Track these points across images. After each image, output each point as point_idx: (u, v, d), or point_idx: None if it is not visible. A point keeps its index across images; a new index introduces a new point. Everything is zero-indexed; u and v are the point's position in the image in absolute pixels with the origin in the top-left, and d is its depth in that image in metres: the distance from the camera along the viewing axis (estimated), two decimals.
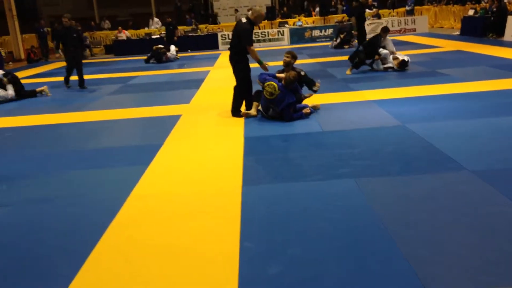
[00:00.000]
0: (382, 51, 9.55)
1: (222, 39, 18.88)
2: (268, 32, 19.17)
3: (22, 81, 10.01)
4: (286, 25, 19.92)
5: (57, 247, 3.18)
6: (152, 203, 3.83)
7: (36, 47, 18.87)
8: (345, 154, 4.67)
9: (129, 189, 4.09)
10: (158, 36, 18.80)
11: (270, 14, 20.27)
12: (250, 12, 6.63)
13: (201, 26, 20.74)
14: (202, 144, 5.46)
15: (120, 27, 19.99)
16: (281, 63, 6.90)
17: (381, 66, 9.67)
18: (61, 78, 11.45)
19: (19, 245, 3.27)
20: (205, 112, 7.08)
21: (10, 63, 17.92)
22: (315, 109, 6.59)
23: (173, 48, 15.74)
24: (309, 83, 6.85)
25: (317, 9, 21.95)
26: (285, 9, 23.37)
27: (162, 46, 15.44)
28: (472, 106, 6.25)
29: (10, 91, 9.24)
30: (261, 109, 6.44)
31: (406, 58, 9.60)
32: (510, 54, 10.70)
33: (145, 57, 15.39)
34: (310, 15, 22.28)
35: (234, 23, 8.26)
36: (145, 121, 6.91)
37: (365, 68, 9.87)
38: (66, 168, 4.90)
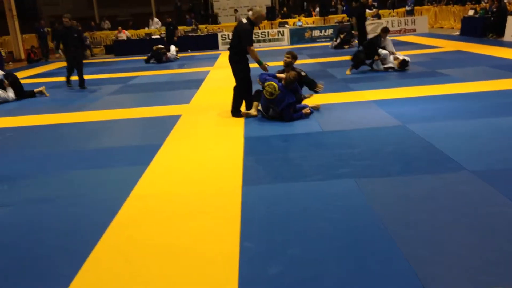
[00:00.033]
0: (382, 51, 9.56)
1: (222, 39, 18.89)
2: (268, 32, 19.18)
3: (23, 81, 10.02)
4: (286, 25, 19.93)
5: (57, 247, 3.18)
6: (152, 203, 3.83)
7: (36, 47, 18.88)
8: (345, 154, 4.67)
9: (129, 189, 4.09)
10: (158, 36, 18.80)
11: (270, 14, 20.28)
12: (250, 13, 6.64)
13: (201, 26, 20.75)
14: (202, 144, 5.47)
15: (120, 27, 20.00)
16: (281, 63, 6.91)
17: (381, 66, 9.68)
18: (61, 78, 11.46)
19: (19, 245, 3.27)
20: (205, 112, 7.08)
21: (10, 63, 17.92)
22: (315, 109, 6.59)
23: (173, 48, 15.75)
24: (310, 83, 6.85)
25: (317, 9, 21.96)
26: (285, 9, 23.38)
27: (162, 46, 15.45)
28: (472, 106, 6.26)
29: (11, 94, 9.26)
30: (261, 109, 6.44)
31: (406, 58, 9.61)
32: (510, 54, 10.70)
33: (145, 57, 15.41)
34: (310, 15, 22.29)
35: (234, 23, 8.28)
36: (145, 121, 6.91)
37: (365, 68, 9.87)
38: (66, 168, 4.90)
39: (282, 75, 6.31)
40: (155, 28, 21.10)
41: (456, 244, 2.85)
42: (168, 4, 27.36)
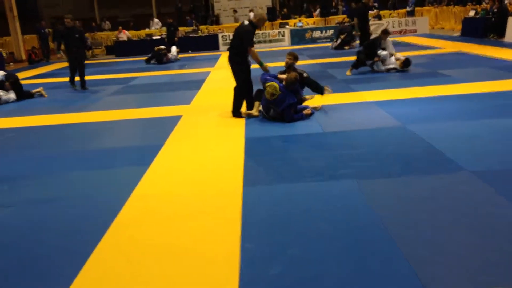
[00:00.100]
0: (382, 52, 9.57)
1: (223, 40, 18.90)
2: (268, 33, 19.19)
3: (23, 82, 10.04)
4: (287, 26, 19.94)
5: (58, 247, 3.19)
6: (153, 204, 3.84)
7: (37, 48, 18.91)
8: (345, 155, 4.68)
9: (130, 190, 4.10)
10: (159, 37, 18.82)
11: (271, 15, 20.28)
12: (251, 14, 6.65)
13: (201, 27, 20.76)
14: (203, 145, 5.47)
15: (120, 27, 20.02)
16: (282, 64, 6.91)
17: (382, 67, 9.68)
18: (62, 79, 11.49)
19: (20, 245, 3.28)
20: (206, 113, 7.09)
21: (11, 64, 17.95)
22: (316, 110, 6.60)
23: (174, 49, 15.77)
24: (312, 84, 6.86)
25: (318, 10, 21.97)
26: (285, 10, 23.39)
27: (163, 47, 15.47)
28: (473, 107, 6.26)
29: (12, 95, 9.28)
30: (261, 110, 6.45)
31: (409, 58, 9.64)
32: (511, 55, 10.69)
33: (145, 58, 15.43)
34: (311, 16, 22.30)
35: (235, 24, 8.30)
36: (146, 121, 6.92)
37: (366, 69, 9.88)
38: (67, 168, 4.91)
39: (283, 76, 6.32)
40: (156, 29, 21.12)
41: (456, 244, 2.86)
42: (168, 5, 27.40)
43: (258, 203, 3.68)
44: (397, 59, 9.70)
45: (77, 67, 10.29)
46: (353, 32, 14.60)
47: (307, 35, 19.13)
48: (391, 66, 9.62)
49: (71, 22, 10.06)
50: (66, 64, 10.86)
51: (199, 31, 19.95)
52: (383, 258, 2.76)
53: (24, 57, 19.09)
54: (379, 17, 19.27)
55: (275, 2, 25.77)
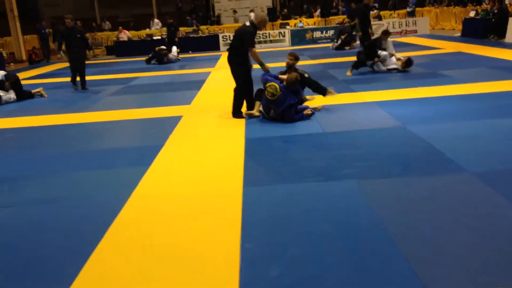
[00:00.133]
0: (382, 53, 9.57)
1: (223, 40, 18.90)
2: (269, 33, 19.19)
3: (24, 82, 10.04)
4: (287, 26, 19.95)
5: (59, 247, 3.19)
6: (154, 204, 3.84)
7: (38, 48, 18.92)
8: (346, 155, 4.68)
9: (131, 190, 4.10)
10: (159, 37, 18.83)
11: (271, 15, 20.30)
12: (252, 14, 6.66)
13: (202, 27, 20.77)
14: (203, 145, 5.47)
15: (120, 27, 20.02)
16: (282, 64, 6.92)
17: (383, 68, 9.67)
18: (63, 79, 11.50)
19: (21, 245, 3.28)
20: (206, 113, 7.09)
21: (12, 64, 17.96)
22: (316, 110, 6.60)
23: (174, 49, 15.77)
24: (313, 85, 6.86)
25: (318, 10, 21.98)
26: (285, 10, 23.40)
27: (164, 47, 15.48)
28: (473, 107, 6.26)
29: (12, 95, 9.28)
30: (262, 110, 6.45)
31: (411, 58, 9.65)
32: (511, 56, 10.70)
33: (146, 58, 15.43)
34: (311, 17, 22.31)
35: (235, 25, 8.30)
36: (146, 122, 6.92)
37: (366, 70, 9.88)
38: (68, 169, 4.91)
39: (284, 76, 6.32)
40: (156, 29, 21.12)
41: (456, 245, 2.86)
42: (169, 5, 27.42)
43: (258, 203, 3.68)
44: (398, 59, 9.71)
45: (78, 67, 10.30)
46: (353, 33, 14.60)
47: (308, 35, 19.13)
48: (392, 66, 9.62)
49: (71, 22, 10.07)
50: (66, 65, 10.87)
51: (200, 31, 19.96)
52: (383, 258, 2.76)
53: (24, 57, 19.10)
54: (379, 18, 19.27)
55: (276, 3, 25.78)
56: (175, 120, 6.73)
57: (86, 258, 2.98)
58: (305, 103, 6.72)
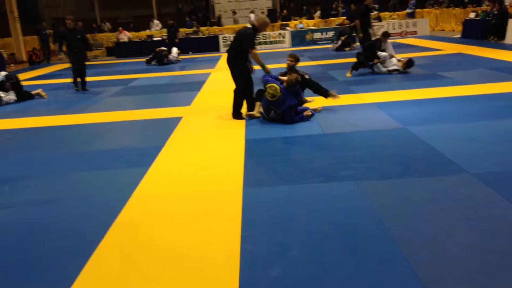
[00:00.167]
0: (381, 54, 9.58)
1: (223, 41, 18.92)
2: (269, 34, 19.20)
3: (24, 83, 10.04)
4: (288, 28, 19.97)
5: (59, 248, 3.19)
6: (154, 204, 3.84)
7: (38, 49, 18.93)
8: (346, 156, 4.68)
9: (131, 190, 4.11)
10: (159, 38, 18.84)
11: (271, 16, 20.30)
12: (252, 15, 6.67)
13: (202, 28, 20.78)
14: (203, 146, 5.48)
15: (120, 28, 20.03)
16: (282, 65, 6.92)
17: (383, 69, 9.68)
18: (63, 80, 11.50)
19: (21, 245, 3.28)
20: (206, 114, 7.10)
21: (12, 65, 17.97)
22: (316, 111, 6.61)
23: (174, 50, 15.79)
24: (313, 86, 6.87)
25: (318, 12, 21.98)
26: (285, 11, 23.41)
27: (165, 48, 15.50)
28: (473, 108, 6.26)
29: (12, 96, 9.29)
30: (262, 111, 6.45)
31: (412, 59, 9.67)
32: (511, 57, 10.70)
33: (146, 59, 15.44)
34: (311, 18, 22.31)
35: (235, 26, 8.31)
36: (147, 123, 6.93)
37: (366, 71, 9.89)
38: (68, 169, 4.92)
39: (284, 78, 6.33)
40: (156, 30, 21.13)
41: (456, 246, 2.86)
42: (169, 6, 27.45)
43: (258, 204, 3.68)
44: (398, 61, 9.71)
45: (79, 68, 10.30)
46: (353, 34, 14.60)
47: (308, 36, 19.15)
48: (393, 67, 9.63)
49: (72, 23, 10.08)
50: (67, 66, 10.90)
51: (200, 33, 19.97)
52: (384, 259, 2.76)
53: (25, 58, 19.11)
54: (379, 19, 19.28)
55: (276, 4, 25.80)
56: (175, 121, 6.74)
57: (86, 259, 2.98)
58: (305, 105, 6.73)
